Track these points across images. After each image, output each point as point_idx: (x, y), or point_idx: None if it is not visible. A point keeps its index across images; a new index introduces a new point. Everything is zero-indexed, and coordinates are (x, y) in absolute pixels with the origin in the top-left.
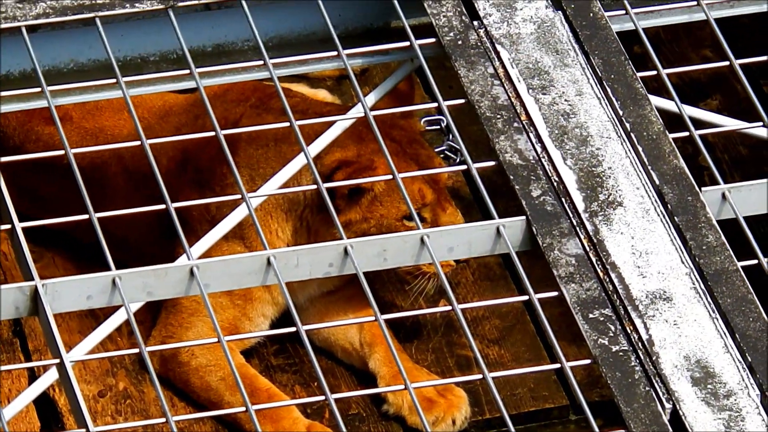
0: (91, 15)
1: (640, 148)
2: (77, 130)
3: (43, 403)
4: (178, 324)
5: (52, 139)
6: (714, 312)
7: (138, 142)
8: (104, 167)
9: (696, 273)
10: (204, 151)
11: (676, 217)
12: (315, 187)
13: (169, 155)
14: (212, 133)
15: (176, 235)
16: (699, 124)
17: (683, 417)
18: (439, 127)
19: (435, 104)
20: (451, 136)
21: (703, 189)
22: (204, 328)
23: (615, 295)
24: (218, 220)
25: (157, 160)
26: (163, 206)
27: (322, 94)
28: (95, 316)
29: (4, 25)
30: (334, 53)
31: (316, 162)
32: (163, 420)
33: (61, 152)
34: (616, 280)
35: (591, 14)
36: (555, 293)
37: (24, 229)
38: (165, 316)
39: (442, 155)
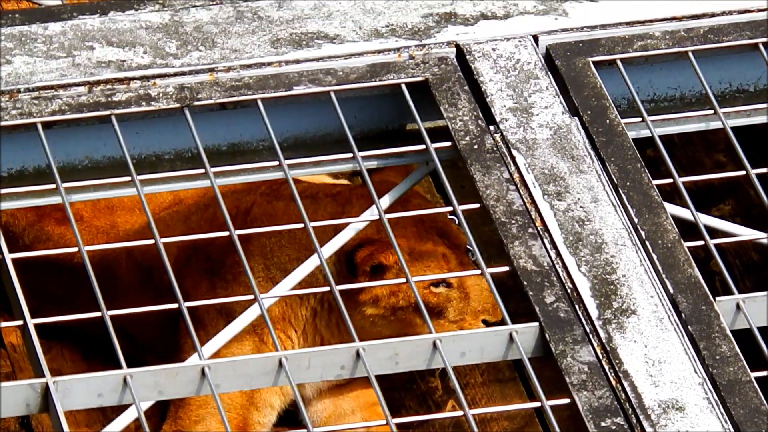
0: (107, 112)
1: (654, 257)
2: (88, 229)
3: None
4: (188, 417)
5: (63, 239)
6: (727, 423)
7: (151, 241)
8: (115, 265)
9: (709, 383)
10: (214, 241)
11: (689, 327)
12: (328, 289)
13: (178, 244)
14: (227, 233)
15: (184, 328)
16: (713, 231)
17: None
18: None
19: (450, 208)
20: None
21: (717, 299)
22: (213, 422)
23: (627, 404)
24: (228, 310)
25: (167, 248)
26: (175, 305)
27: None
28: (102, 408)
29: (19, 121)
30: (350, 155)
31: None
32: None
33: (75, 249)
34: (628, 389)
35: (607, 121)
36: (567, 400)
37: (35, 325)
38: (174, 410)
39: None
